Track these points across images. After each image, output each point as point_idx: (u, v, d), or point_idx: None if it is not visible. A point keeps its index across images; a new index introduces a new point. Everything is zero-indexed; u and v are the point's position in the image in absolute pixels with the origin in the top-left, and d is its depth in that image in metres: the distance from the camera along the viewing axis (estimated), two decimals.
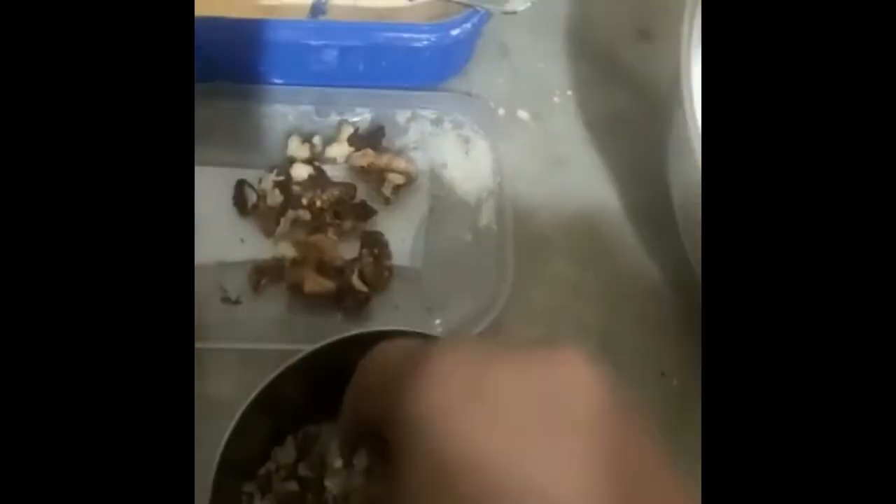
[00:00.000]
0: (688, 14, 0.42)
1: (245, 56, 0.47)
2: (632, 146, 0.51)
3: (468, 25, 0.46)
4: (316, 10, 0.53)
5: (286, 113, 0.49)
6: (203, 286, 0.43)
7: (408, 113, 0.49)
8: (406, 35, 0.46)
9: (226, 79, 0.48)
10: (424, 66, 0.49)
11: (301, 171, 0.46)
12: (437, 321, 0.44)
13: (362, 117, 0.49)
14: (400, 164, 0.47)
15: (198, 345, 0.41)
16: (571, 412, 0.20)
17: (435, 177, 0.48)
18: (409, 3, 0.52)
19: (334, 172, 0.47)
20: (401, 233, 0.46)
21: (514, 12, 0.46)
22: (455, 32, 0.46)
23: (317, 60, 0.47)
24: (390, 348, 0.24)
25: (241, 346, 0.42)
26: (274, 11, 0.52)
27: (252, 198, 0.46)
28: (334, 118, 0.49)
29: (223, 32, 0.45)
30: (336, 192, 0.45)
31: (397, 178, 0.46)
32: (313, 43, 0.46)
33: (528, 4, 0.46)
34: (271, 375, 0.34)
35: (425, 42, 0.46)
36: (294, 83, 0.49)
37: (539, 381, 0.21)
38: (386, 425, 0.22)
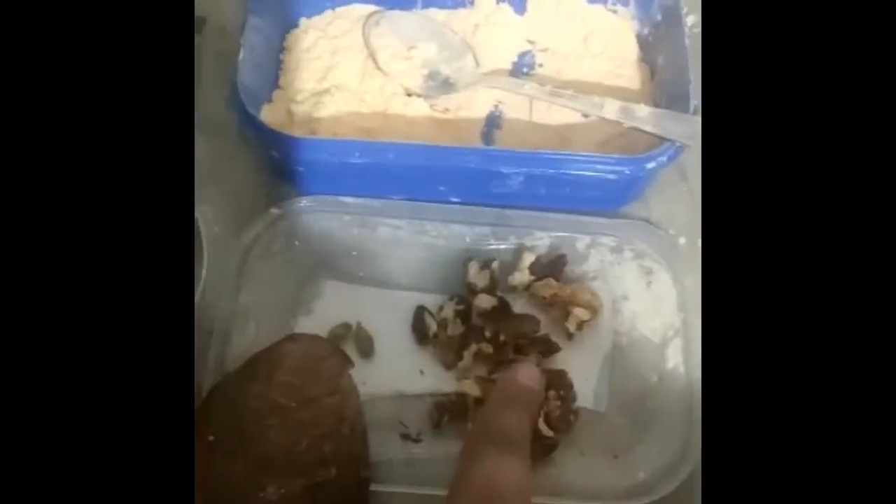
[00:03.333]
0: None
1: (425, 177, 0.46)
2: None
3: (664, 158, 0.44)
4: (490, 123, 0.52)
5: (463, 234, 0.47)
6: (383, 419, 0.42)
7: (587, 239, 0.47)
8: (600, 166, 0.44)
9: (400, 196, 0.47)
10: (609, 193, 0.47)
11: (484, 302, 0.44)
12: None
13: (541, 242, 0.47)
14: (585, 296, 0.45)
15: (379, 487, 0.40)
16: None
17: (616, 310, 0.46)
18: (584, 120, 0.51)
19: (514, 302, 0.45)
20: (583, 372, 0.44)
21: None
22: (650, 166, 0.44)
23: (501, 184, 0.46)
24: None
25: (422, 492, 0.40)
26: (450, 124, 0.51)
27: (432, 326, 0.44)
28: (512, 241, 0.47)
29: (409, 157, 0.44)
30: (519, 325, 0.44)
31: (583, 314, 0.44)
32: (503, 170, 0.44)
33: None
34: None
35: (619, 175, 0.44)
36: (472, 203, 0.47)
37: None
38: None
